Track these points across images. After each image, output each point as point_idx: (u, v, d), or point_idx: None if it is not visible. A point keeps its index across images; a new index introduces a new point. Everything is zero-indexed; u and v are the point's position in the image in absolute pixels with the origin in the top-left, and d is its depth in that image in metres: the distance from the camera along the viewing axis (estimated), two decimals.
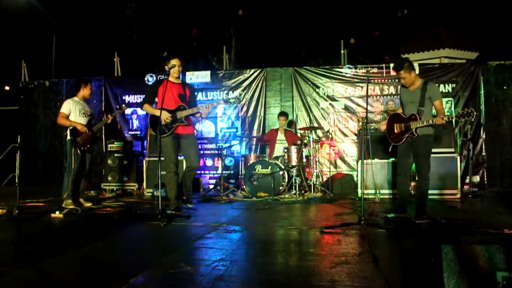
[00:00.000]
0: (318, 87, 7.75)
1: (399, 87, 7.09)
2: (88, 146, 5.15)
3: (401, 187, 4.25)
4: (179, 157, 4.87)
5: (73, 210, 4.55)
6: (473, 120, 4.04)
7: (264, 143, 7.05)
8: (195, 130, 4.82)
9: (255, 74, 8.01)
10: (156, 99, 4.66)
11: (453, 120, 5.98)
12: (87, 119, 5.22)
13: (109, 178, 6.93)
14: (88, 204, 5.20)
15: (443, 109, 3.97)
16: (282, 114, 6.95)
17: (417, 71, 7.36)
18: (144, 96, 7.14)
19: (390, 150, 4.39)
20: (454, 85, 7.29)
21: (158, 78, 8.03)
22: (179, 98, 4.56)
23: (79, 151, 5.02)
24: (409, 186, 4.37)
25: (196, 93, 4.87)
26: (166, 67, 4.51)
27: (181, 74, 8.24)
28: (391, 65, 7.58)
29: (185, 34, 14.24)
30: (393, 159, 5.36)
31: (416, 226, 3.32)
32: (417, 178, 4.23)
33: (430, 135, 4.04)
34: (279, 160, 6.19)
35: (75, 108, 5.15)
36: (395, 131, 4.17)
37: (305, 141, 6.44)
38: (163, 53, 13.14)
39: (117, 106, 8.52)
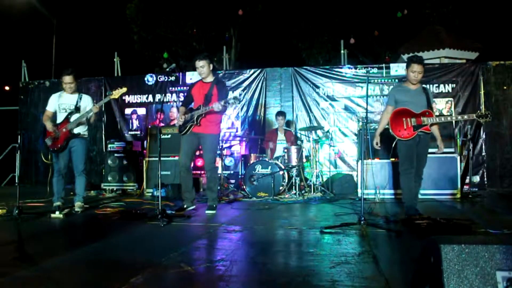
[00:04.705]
0: (318, 87, 7.75)
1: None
2: (59, 146, 4.52)
3: (410, 184, 4.04)
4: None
5: (73, 211, 4.55)
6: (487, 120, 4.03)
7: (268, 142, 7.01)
8: (216, 130, 4.71)
9: (255, 74, 8.01)
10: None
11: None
12: (66, 114, 4.59)
13: (109, 178, 6.93)
14: (62, 213, 4.34)
15: (433, 112, 4.18)
16: (280, 113, 6.94)
17: None
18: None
19: (393, 146, 4.20)
20: (454, 85, 7.29)
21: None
22: (204, 99, 4.53)
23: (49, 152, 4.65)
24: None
25: (225, 90, 4.66)
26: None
27: (181, 74, 8.32)
28: (391, 65, 7.61)
29: (185, 34, 14.25)
30: (393, 159, 5.35)
31: (416, 226, 3.31)
32: (415, 178, 4.16)
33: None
34: (279, 160, 6.19)
35: (56, 103, 4.66)
36: (404, 126, 4.04)
37: (303, 144, 6.48)
38: (163, 53, 13.19)
39: (117, 107, 8.53)
